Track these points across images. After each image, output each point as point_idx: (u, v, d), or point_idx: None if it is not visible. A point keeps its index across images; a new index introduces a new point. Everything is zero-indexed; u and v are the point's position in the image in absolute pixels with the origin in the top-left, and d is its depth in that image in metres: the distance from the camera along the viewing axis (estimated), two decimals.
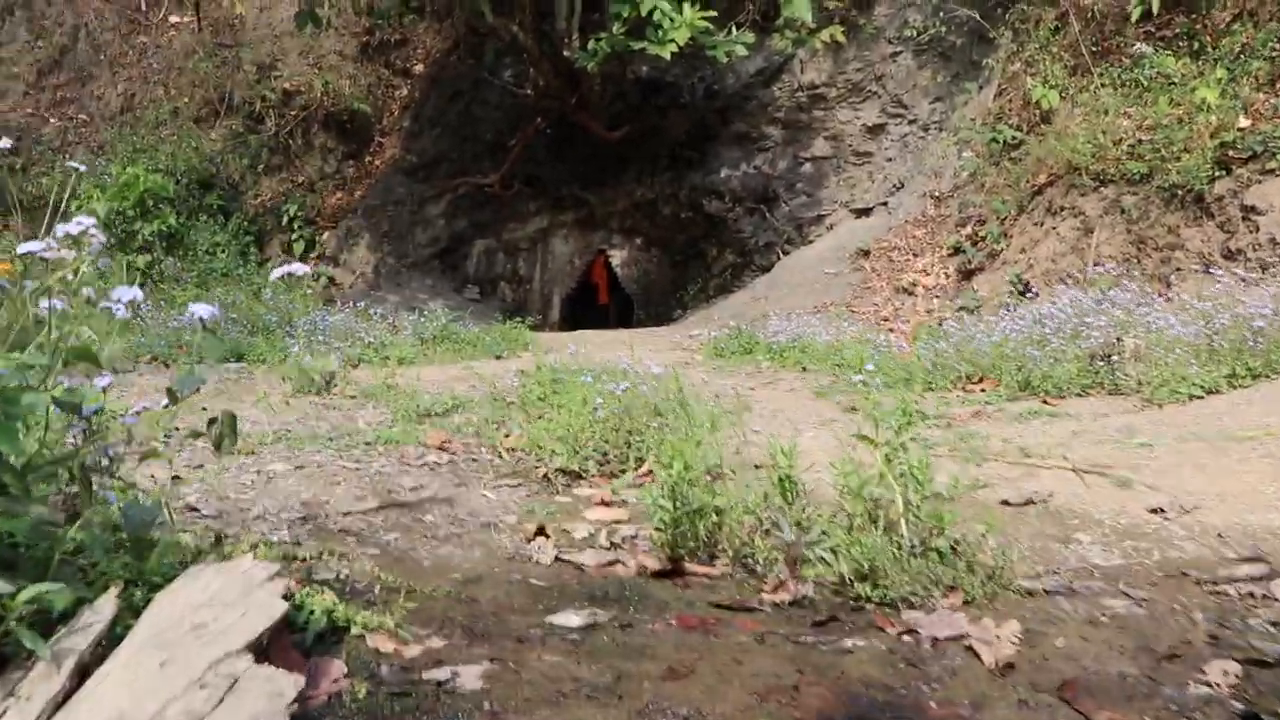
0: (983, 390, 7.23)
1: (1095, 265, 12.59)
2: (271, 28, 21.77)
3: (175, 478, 3.63)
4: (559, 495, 3.98)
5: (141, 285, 15.41)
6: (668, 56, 14.36)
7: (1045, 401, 6.41)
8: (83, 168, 3.16)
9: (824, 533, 2.80)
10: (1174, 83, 12.89)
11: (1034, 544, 3.41)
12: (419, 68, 21.95)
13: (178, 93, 20.65)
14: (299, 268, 2.60)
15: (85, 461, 2.43)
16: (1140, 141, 12.54)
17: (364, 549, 3.04)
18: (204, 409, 6.33)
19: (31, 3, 21.54)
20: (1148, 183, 12.23)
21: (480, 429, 5.54)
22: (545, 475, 4.14)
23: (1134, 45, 13.61)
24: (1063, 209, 13.32)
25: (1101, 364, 6.76)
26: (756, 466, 3.85)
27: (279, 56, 21.35)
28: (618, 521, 3.53)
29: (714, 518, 2.85)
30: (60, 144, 20.08)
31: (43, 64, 20.96)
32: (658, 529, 2.91)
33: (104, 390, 2.65)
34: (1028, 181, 14.46)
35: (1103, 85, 13.81)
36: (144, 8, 22.14)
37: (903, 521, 2.72)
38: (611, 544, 3.21)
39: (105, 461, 2.62)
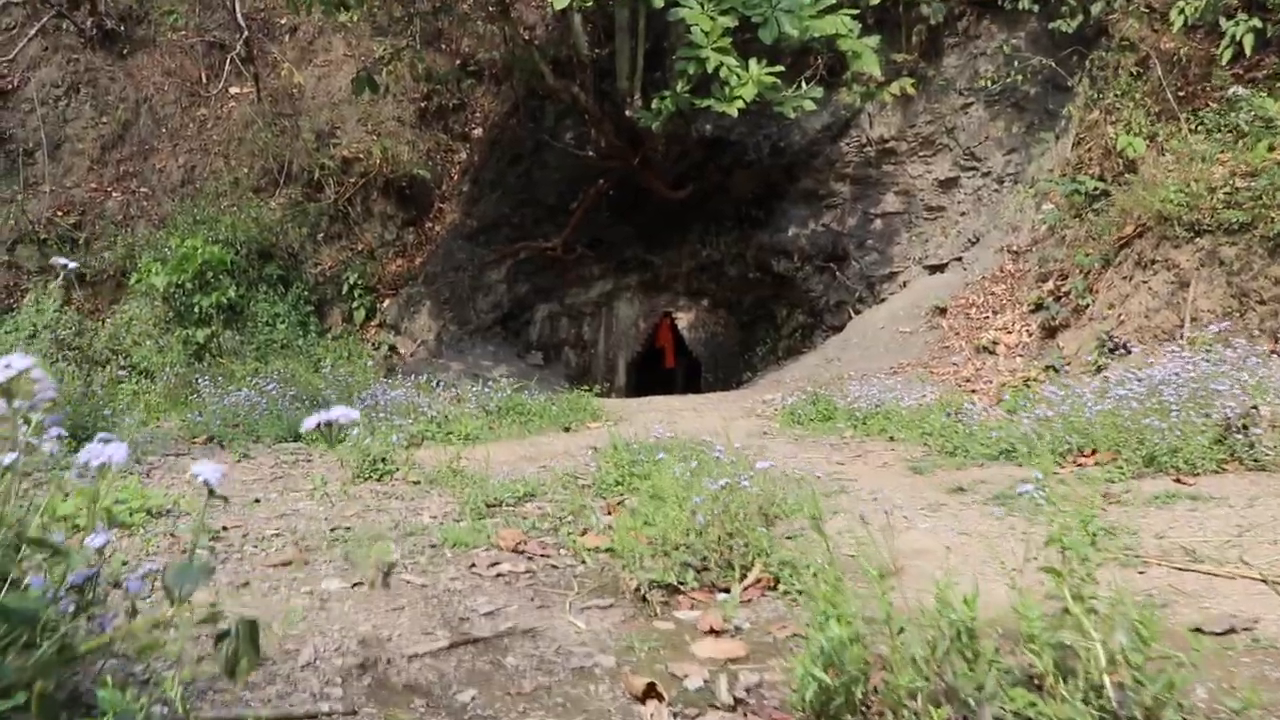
0: (1097, 465, 6.59)
1: (1193, 320, 11.92)
2: (330, 96, 21.71)
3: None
4: (657, 619, 3.43)
5: (200, 359, 15.23)
6: (734, 113, 13.94)
7: (1179, 481, 5.77)
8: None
9: (1002, 690, 2.22)
10: (1273, 126, 12.24)
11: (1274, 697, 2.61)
12: (478, 132, 21.77)
13: (237, 163, 20.58)
14: (342, 414, 2.07)
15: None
16: (1238, 189, 11.87)
17: (435, 718, 2.50)
18: (256, 501, 5.92)
19: (96, 80, 21.65)
20: (1249, 232, 11.55)
21: (557, 524, 5.03)
22: (638, 588, 3.59)
23: (1229, 88, 12.97)
24: (1154, 262, 12.65)
25: (1238, 436, 6.12)
26: (882, 576, 3.28)
27: (338, 124, 21.26)
28: (735, 660, 2.98)
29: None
30: (123, 218, 20.05)
31: (106, 139, 21.01)
32: (802, 697, 2.36)
33: (100, 550, 2.11)
34: (1113, 234, 13.81)
35: (1192, 131, 13.18)
36: (204, 80, 22.18)
37: (1108, 682, 2.14)
38: (735, 700, 2.65)
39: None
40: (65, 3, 21.93)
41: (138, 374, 14.44)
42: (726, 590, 3.63)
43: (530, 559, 4.22)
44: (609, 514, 5.28)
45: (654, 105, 15.33)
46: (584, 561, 4.18)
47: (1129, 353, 12.55)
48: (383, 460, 6.78)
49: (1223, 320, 11.34)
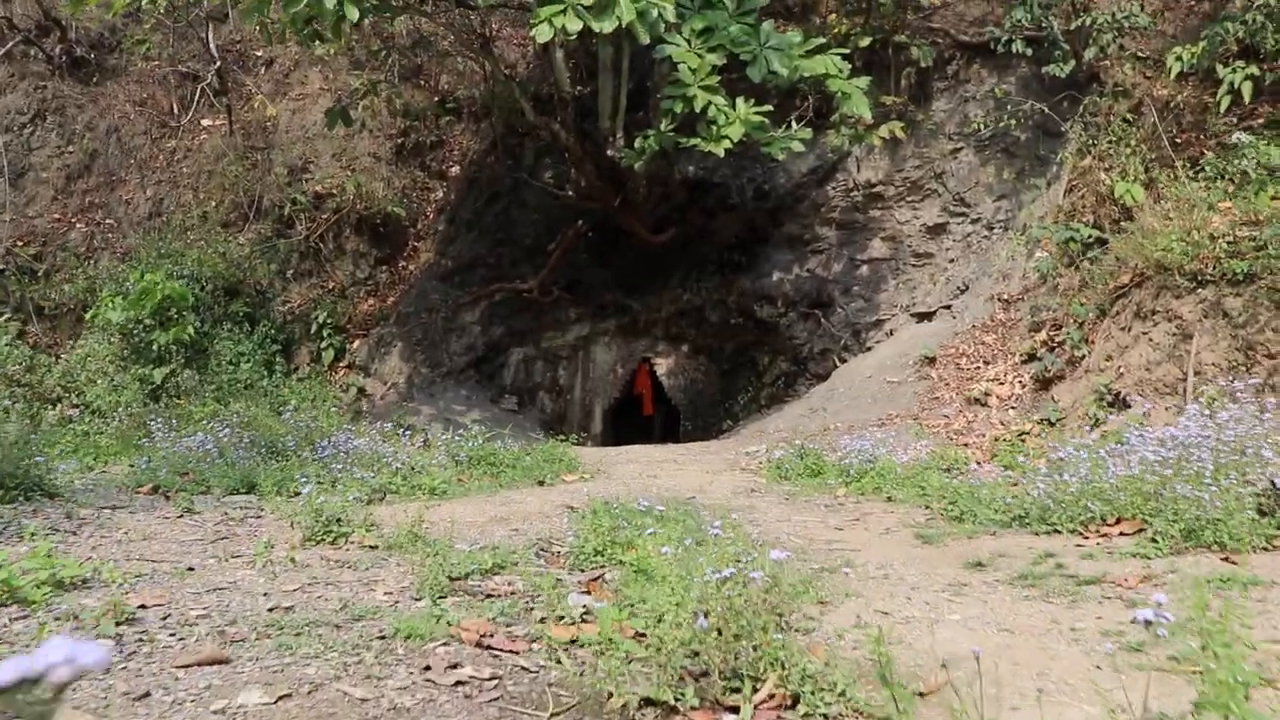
0: (1123, 535, 6.02)
1: (1196, 374, 11.43)
2: (304, 130, 21.16)
3: None
4: None
5: (156, 399, 14.52)
6: (721, 153, 13.43)
7: (1227, 560, 5.18)
8: None
9: None
10: (1277, 175, 11.83)
11: None
12: (455, 170, 21.23)
13: (206, 196, 19.98)
14: (61, 656, 1.44)
15: None
16: (1240, 238, 11.43)
17: None
18: (189, 570, 5.25)
19: (64, 108, 21.07)
20: (1254, 283, 11.09)
21: (529, 605, 4.41)
22: (624, 708, 2.97)
23: (1232, 134, 12.58)
24: (1154, 312, 12.17)
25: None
26: (920, 694, 2.67)
27: (311, 159, 20.69)
28: None
29: None
30: (86, 250, 19.41)
31: (72, 169, 20.41)
32: None
33: None
34: (1110, 283, 13.35)
35: (1191, 178, 12.76)
36: (175, 111, 21.61)
37: None
38: None
39: None
40: (34, 29, 21.41)
41: (91, 414, 13.73)
42: (734, 710, 3.01)
43: (497, 656, 3.58)
44: (587, 593, 4.67)
45: (637, 144, 14.84)
46: (559, 661, 3.55)
47: (1128, 407, 12.05)
48: (338, 521, 6.14)
49: (1228, 374, 10.87)
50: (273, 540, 5.75)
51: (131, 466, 9.82)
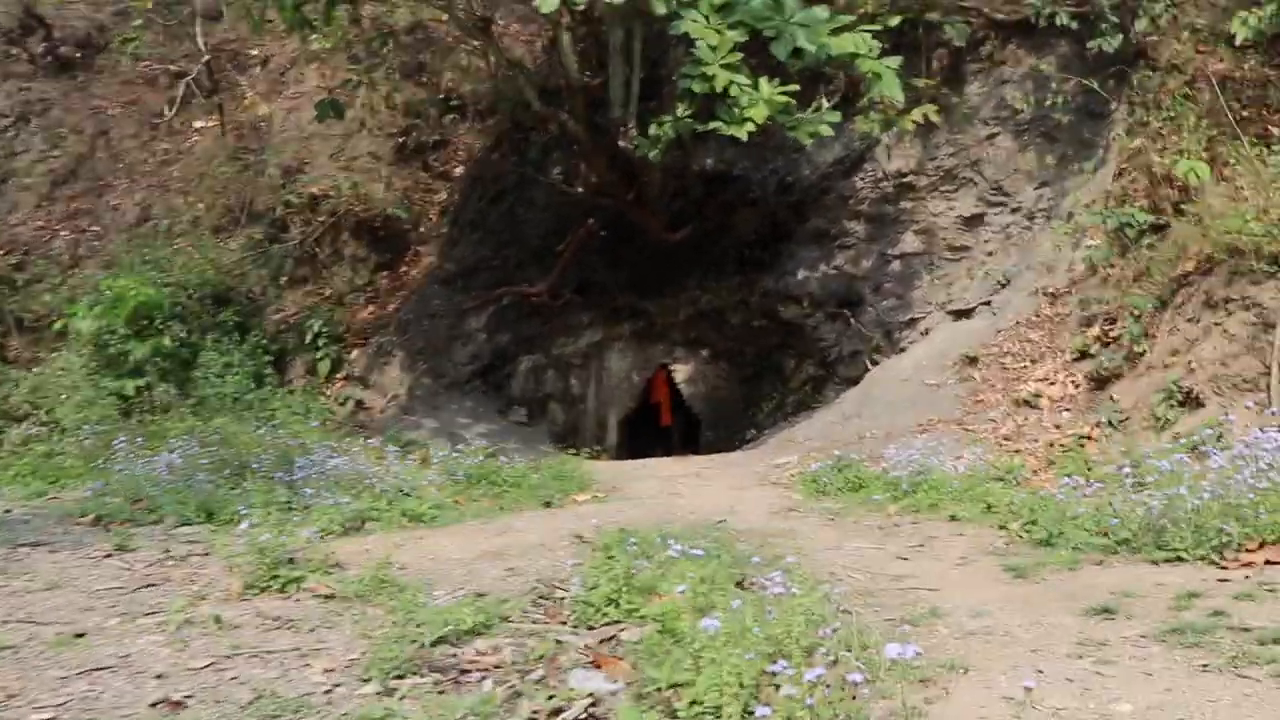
0: (1271, 564, 4.82)
1: None
2: (300, 130, 20.06)
3: None
4: None
5: (129, 416, 13.37)
6: (744, 137, 12.30)
7: None
8: None
9: None
10: None
11: None
12: (459, 170, 20.08)
13: (196, 200, 18.92)
14: None
15: None
16: None
17: None
18: (78, 636, 4.04)
19: (49, 110, 20.11)
20: None
21: (516, 688, 3.24)
22: None
23: None
24: (1228, 300, 10.95)
25: None
26: None
27: (307, 160, 19.60)
28: None
29: None
30: (70, 259, 18.39)
31: (57, 174, 19.46)
32: None
33: None
34: (1171, 271, 12.14)
35: (1267, 153, 11.55)
36: (165, 113, 20.58)
37: None
38: None
39: None
40: (16, 28, 20.47)
41: (58, 432, 12.60)
42: None
43: None
44: (597, 666, 3.49)
45: (652, 132, 13.70)
46: None
47: (1202, 405, 10.85)
48: (289, 562, 4.96)
49: None
50: (206, 589, 4.59)
51: (91, 491, 8.66)
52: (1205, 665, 3.52)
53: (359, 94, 19.23)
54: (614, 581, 4.55)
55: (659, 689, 2.98)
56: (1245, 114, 12.89)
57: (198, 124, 20.60)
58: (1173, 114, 13.34)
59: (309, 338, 17.57)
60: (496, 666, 3.71)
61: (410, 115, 20.15)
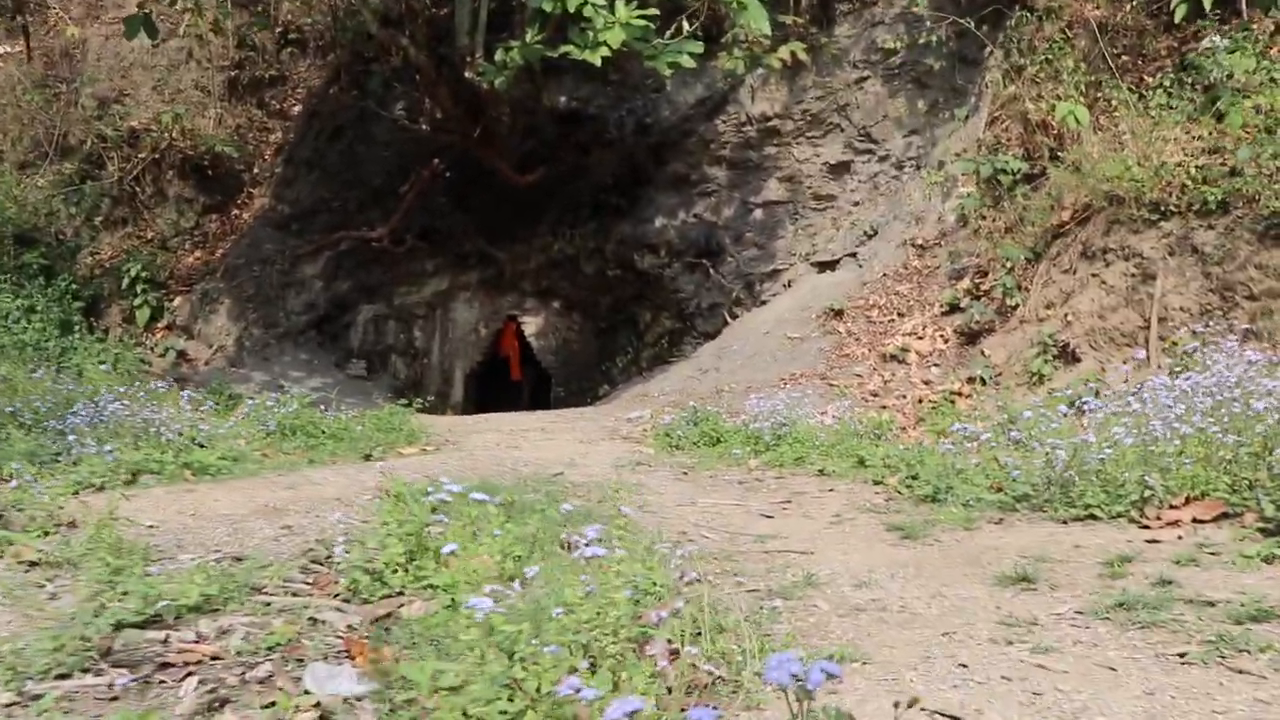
0: (1200, 521, 4.03)
1: (1160, 321, 9.64)
2: (119, 58, 18.31)
3: None
4: None
5: None
6: (598, 62, 11.27)
7: None
8: None
9: None
10: (1246, 91, 10.06)
11: None
12: (298, 109, 18.57)
13: (1, 134, 17.08)
14: None
15: None
16: (1209, 164, 9.66)
17: None
18: None
19: None
20: (1228, 213, 9.34)
21: (225, 689, 2.20)
22: None
23: (1204, 38, 10.82)
24: (1106, 251, 10.38)
25: None
26: None
27: (128, 91, 17.88)
28: None
29: None
30: None
31: None
32: None
33: None
34: (1045, 221, 11.55)
35: (1146, 98, 10.98)
36: None
37: None
38: None
39: None
40: None
41: None
42: None
43: None
44: (350, 656, 2.48)
45: (498, 58, 12.57)
46: None
47: (1078, 360, 10.27)
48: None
49: (1200, 319, 9.12)
50: None
51: None
52: (1183, 655, 2.65)
53: (184, 19, 17.54)
54: (404, 541, 3.55)
55: (412, 699, 1.99)
56: (1123, 60, 12.39)
57: (1, 49, 18.65)
58: (1049, 58, 12.75)
59: (126, 283, 16.03)
60: (215, 658, 2.67)
61: (245, 48, 18.58)
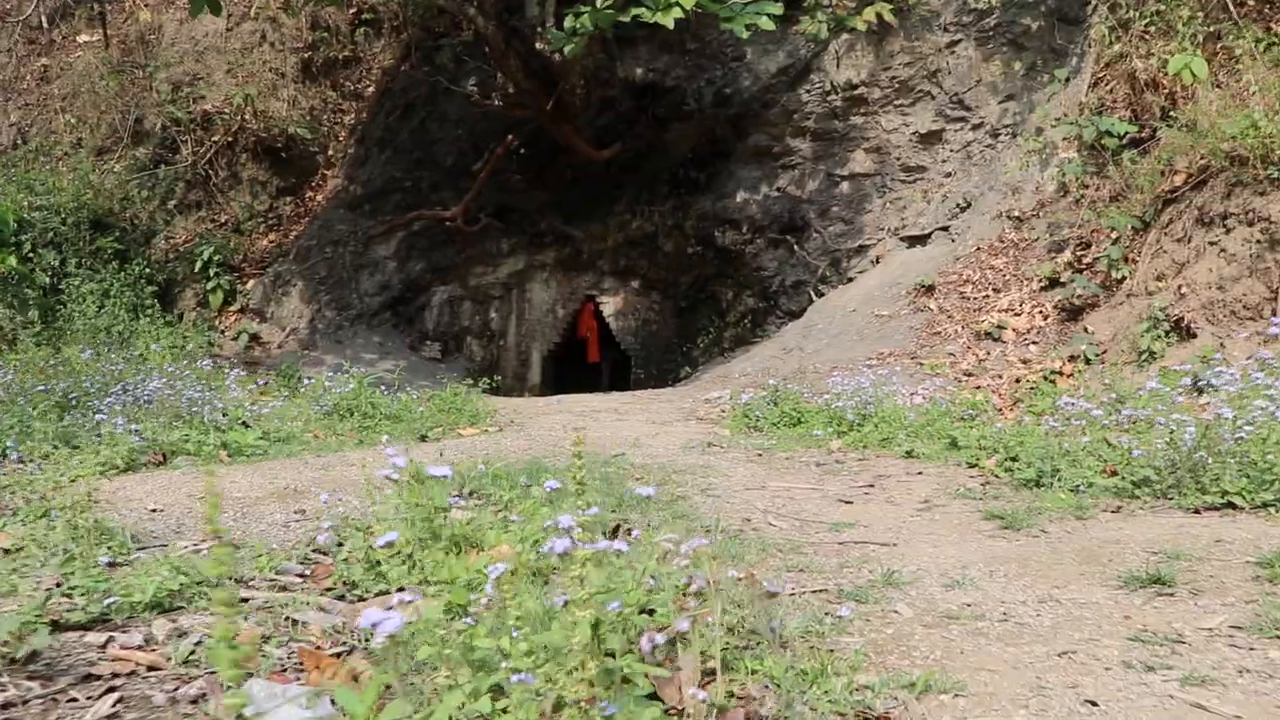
0: None
1: None
2: (194, 42, 18.12)
3: None
4: None
5: None
6: (670, 25, 10.69)
7: None
8: None
9: None
10: None
11: None
12: (372, 90, 18.24)
13: (79, 121, 17.01)
14: None
15: None
16: None
17: None
18: None
19: None
20: None
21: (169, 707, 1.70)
22: None
23: None
24: (1226, 216, 9.50)
25: None
26: None
27: (201, 75, 17.67)
28: None
29: None
30: None
31: None
32: None
33: None
34: (1156, 186, 10.69)
35: (1275, 47, 10.08)
36: (45, 25, 18.59)
37: None
38: None
39: None
40: None
41: None
42: None
43: None
44: (317, 668, 1.96)
45: (568, 24, 12.02)
46: None
47: (1194, 336, 9.41)
48: None
49: None
50: None
51: None
52: None
53: (256, 1, 17.33)
54: (416, 524, 3.04)
55: None
56: (1247, 6, 11.42)
57: (82, 38, 18.62)
58: (1161, 9, 11.82)
59: (199, 266, 15.84)
60: (151, 669, 2.17)
61: (319, 30, 18.30)
